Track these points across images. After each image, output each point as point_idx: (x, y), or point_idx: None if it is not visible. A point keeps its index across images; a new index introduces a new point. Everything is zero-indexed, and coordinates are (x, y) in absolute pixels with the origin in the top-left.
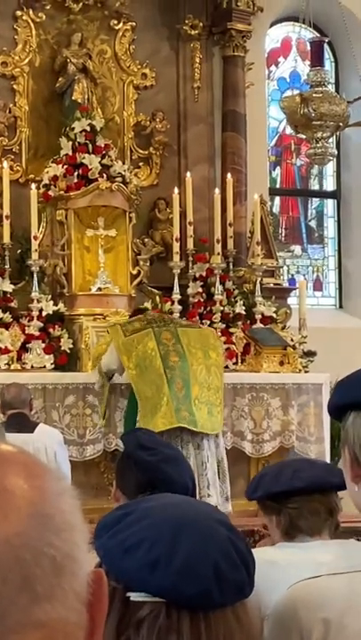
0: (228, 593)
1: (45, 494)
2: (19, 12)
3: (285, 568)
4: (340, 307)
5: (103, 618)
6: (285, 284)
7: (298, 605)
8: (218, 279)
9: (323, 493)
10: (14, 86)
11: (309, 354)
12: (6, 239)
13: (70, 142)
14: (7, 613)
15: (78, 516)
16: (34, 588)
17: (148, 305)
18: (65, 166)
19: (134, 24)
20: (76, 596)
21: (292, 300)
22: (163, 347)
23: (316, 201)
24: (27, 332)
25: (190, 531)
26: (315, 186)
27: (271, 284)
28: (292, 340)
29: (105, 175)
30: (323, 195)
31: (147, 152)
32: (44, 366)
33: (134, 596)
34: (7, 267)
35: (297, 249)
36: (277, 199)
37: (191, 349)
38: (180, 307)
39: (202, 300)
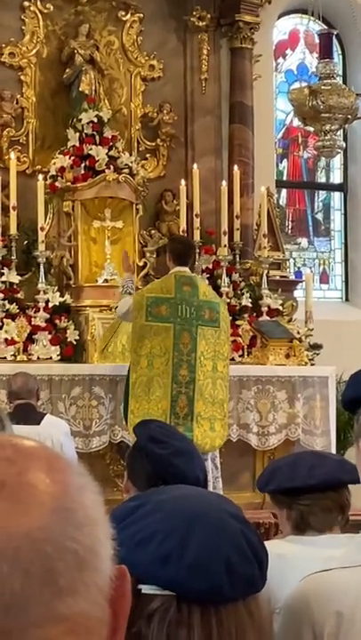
0: (240, 587)
1: (68, 489)
2: (26, 3)
3: (295, 562)
4: (347, 299)
5: (126, 614)
6: (292, 277)
7: (310, 598)
8: (224, 271)
9: (335, 490)
10: (21, 77)
11: (315, 346)
12: (13, 230)
13: (77, 134)
14: (29, 607)
15: (100, 511)
16: (56, 582)
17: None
18: (72, 157)
19: (142, 15)
20: (99, 590)
21: (298, 293)
22: (178, 353)
23: (322, 193)
24: (33, 323)
25: (202, 524)
26: (322, 178)
27: (278, 277)
28: (298, 332)
29: (112, 167)
30: (330, 187)
31: (154, 144)
32: (50, 357)
33: (145, 589)
34: (14, 258)
35: (303, 241)
36: (284, 191)
37: (203, 360)
38: None
39: None
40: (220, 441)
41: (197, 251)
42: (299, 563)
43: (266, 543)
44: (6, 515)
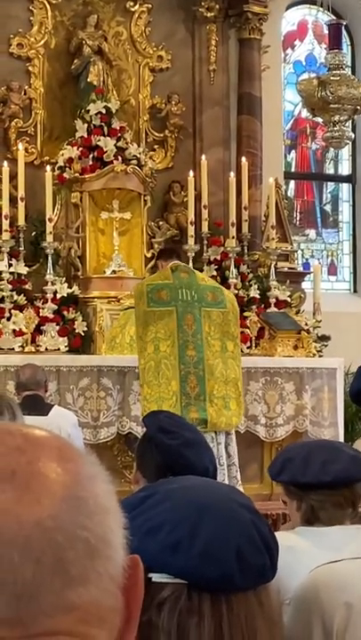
0: (250, 577)
1: (79, 478)
2: None
3: (305, 553)
4: (355, 291)
5: (139, 603)
6: (300, 269)
7: (320, 589)
8: (232, 263)
9: (348, 486)
10: (29, 68)
11: (323, 338)
12: (21, 221)
13: (85, 124)
14: (40, 596)
15: (112, 500)
16: (67, 571)
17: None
18: (80, 148)
19: (150, 6)
20: (111, 579)
21: (306, 285)
22: (183, 334)
23: (331, 185)
24: (41, 314)
25: (212, 513)
26: (330, 170)
27: (286, 268)
28: (306, 324)
29: (120, 158)
30: (338, 179)
31: (162, 135)
32: (59, 349)
33: (156, 577)
34: (22, 249)
35: (312, 233)
36: (292, 183)
37: (210, 340)
38: None
39: None
40: (237, 419)
41: (205, 242)
42: (308, 554)
43: (275, 534)
44: (17, 504)
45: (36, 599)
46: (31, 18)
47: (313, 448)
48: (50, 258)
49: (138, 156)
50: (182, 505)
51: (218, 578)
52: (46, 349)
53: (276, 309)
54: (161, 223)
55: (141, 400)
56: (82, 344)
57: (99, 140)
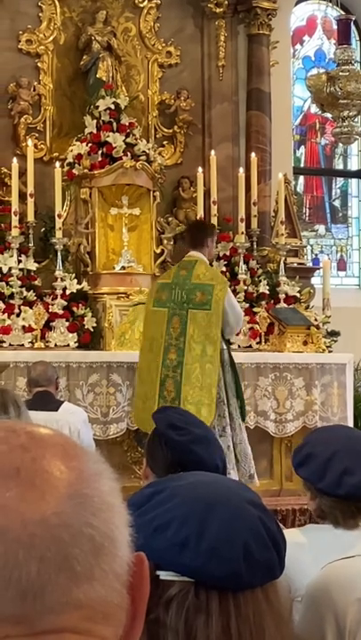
0: (258, 573)
1: (83, 475)
2: None
3: (314, 550)
4: None
5: (145, 600)
6: (309, 264)
7: (332, 586)
8: (242, 258)
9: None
10: (38, 64)
11: (333, 334)
12: (30, 217)
13: (95, 120)
14: (45, 592)
15: (117, 498)
16: (72, 568)
17: None
18: (89, 144)
19: (159, 2)
20: (117, 577)
21: (315, 280)
22: (168, 336)
23: (340, 180)
24: (50, 310)
25: (220, 510)
26: (339, 165)
27: (295, 264)
28: (315, 319)
29: (129, 154)
30: (347, 174)
31: (171, 130)
32: (68, 345)
33: (163, 575)
34: (31, 245)
35: (321, 228)
36: (301, 178)
37: (192, 344)
38: None
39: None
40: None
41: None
42: (318, 552)
43: (284, 532)
44: (21, 501)
45: (41, 596)
46: (40, 14)
47: (338, 450)
48: (59, 254)
49: (147, 151)
50: (190, 502)
51: (225, 576)
52: (56, 345)
53: (285, 305)
54: (170, 219)
55: (135, 395)
56: (91, 340)
57: (108, 136)
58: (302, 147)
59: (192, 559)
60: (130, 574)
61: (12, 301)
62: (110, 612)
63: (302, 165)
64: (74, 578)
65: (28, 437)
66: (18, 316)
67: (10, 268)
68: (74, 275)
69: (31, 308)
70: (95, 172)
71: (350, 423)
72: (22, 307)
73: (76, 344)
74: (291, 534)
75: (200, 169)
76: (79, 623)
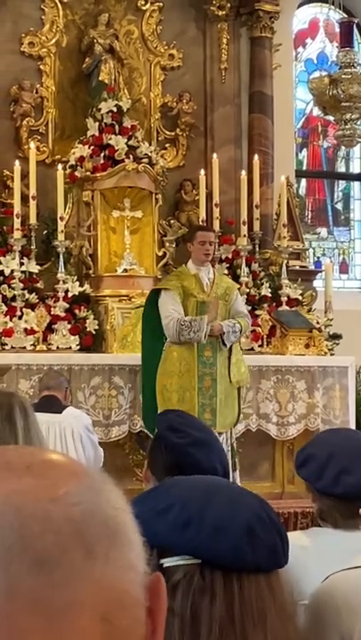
0: (262, 554)
1: (94, 479)
2: None
3: (319, 554)
4: None
5: (164, 612)
6: (311, 267)
7: (336, 596)
8: (244, 261)
9: (360, 499)
10: (41, 67)
11: (335, 336)
12: (32, 220)
13: (97, 123)
14: (62, 564)
15: (127, 507)
16: (88, 545)
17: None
18: (91, 147)
19: (161, 5)
20: (132, 567)
21: (317, 283)
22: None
23: (342, 183)
24: (52, 312)
25: (221, 495)
26: (341, 168)
27: (297, 267)
28: (317, 322)
29: (131, 156)
30: (349, 177)
31: (173, 133)
32: (70, 347)
33: (168, 562)
34: (33, 247)
35: (323, 231)
36: (304, 181)
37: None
38: None
39: None
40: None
41: (217, 240)
42: (322, 555)
43: (288, 534)
44: (34, 487)
45: (57, 567)
46: (42, 17)
47: (336, 450)
48: (61, 256)
49: (149, 154)
50: (190, 488)
51: (229, 552)
52: (57, 348)
53: (287, 308)
54: (172, 222)
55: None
56: (93, 342)
57: (110, 139)
58: (305, 149)
59: (195, 537)
60: (147, 587)
61: (14, 304)
62: (127, 603)
63: (304, 168)
64: (90, 555)
65: (32, 458)
66: (20, 318)
67: (12, 271)
68: (76, 277)
69: (33, 310)
70: (97, 174)
71: (352, 426)
72: (24, 309)
73: (78, 347)
74: (294, 537)
75: (202, 171)
76: (96, 604)
